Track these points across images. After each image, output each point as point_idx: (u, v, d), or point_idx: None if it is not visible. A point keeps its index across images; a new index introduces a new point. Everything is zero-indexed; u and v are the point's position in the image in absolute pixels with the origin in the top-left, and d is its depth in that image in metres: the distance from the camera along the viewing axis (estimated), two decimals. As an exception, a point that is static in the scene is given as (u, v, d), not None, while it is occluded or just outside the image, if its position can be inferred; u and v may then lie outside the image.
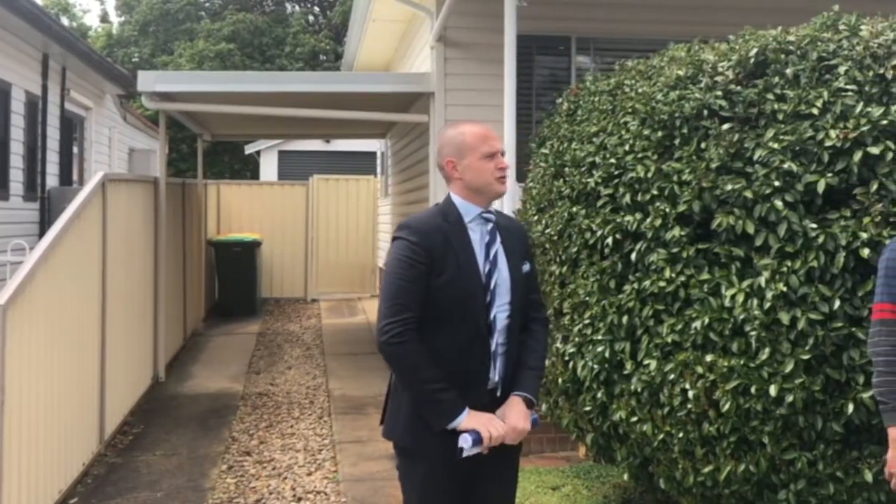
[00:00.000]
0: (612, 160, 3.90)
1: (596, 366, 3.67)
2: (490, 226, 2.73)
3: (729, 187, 3.32)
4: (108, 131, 14.34)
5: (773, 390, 3.02)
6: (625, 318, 3.58)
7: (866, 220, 3.07)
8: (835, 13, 3.73)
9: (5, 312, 3.78)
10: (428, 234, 2.61)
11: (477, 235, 2.70)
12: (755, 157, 3.33)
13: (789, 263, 3.13)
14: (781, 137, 3.29)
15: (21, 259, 7.35)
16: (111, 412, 5.85)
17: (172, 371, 8.16)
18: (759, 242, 3.24)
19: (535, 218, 4.60)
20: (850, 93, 3.29)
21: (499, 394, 2.69)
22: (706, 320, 3.23)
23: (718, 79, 3.64)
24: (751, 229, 3.24)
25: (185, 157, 22.31)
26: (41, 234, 9.72)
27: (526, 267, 2.79)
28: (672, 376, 3.31)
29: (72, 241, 4.95)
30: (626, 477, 3.90)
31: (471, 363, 2.63)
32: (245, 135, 15.67)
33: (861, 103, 3.22)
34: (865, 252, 3.01)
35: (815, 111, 3.29)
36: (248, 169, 23.79)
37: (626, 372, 3.56)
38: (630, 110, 4.00)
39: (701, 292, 3.31)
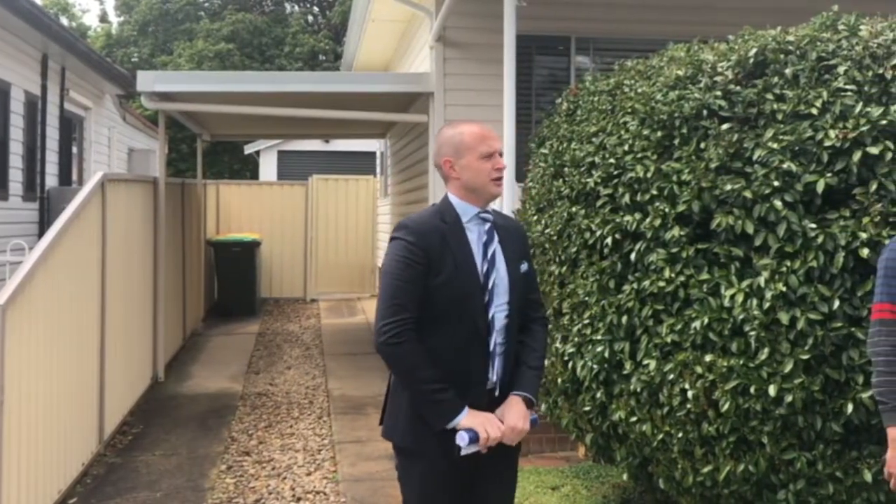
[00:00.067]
0: (612, 160, 3.90)
1: (595, 366, 3.67)
2: (488, 226, 2.73)
3: (728, 187, 3.32)
4: (108, 131, 14.33)
5: (772, 390, 3.02)
6: (624, 318, 3.58)
7: (866, 220, 3.07)
8: (834, 13, 3.73)
9: (5, 312, 3.78)
10: (425, 234, 2.61)
11: (474, 235, 2.70)
12: (754, 157, 3.33)
13: (789, 263, 3.13)
14: (781, 137, 3.29)
15: (20, 259, 7.35)
16: (110, 412, 5.85)
17: (172, 371, 8.16)
18: (758, 242, 3.24)
19: (535, 218, 4.60)
20: (849, 93, 3.29)
21: (497, 394, 2.69)
22: (705, 320, 3.24)
23: (718, 79, 3.64)
24: (750, 229, 3.24)
25: (185, 157, 22.32)
26: (40, 234, 9.72)
27: (524, 266, 2.79)
28: (671, 376, 3.31)
29: (71, 241, 4.95)
30: (625, 477, 3.90)
31: (469, 363, 2.63)
32: (244, 135, 15.66)
33: (860, 103, 3.23)
34: (865, 252, 3.01)
35: (814, 111, 3.29)
36: (247, 169, 23.79)
37: (625, 372, 3.56)
38: (629, 110, 4.00)
39: (700, 292, 3.31)
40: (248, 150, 21.20)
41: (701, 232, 3.45)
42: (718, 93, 3.58)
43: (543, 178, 4.65)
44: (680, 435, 3.30)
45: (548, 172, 4.58)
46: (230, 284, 11.90)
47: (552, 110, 5.19)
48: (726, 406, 3.11)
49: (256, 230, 13.23)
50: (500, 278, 2.69)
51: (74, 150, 12.50)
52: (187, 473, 5.30)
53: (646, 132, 3.80)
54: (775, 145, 3.28)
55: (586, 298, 3.83)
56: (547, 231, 4.33)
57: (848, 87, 3.30)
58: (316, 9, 29.22)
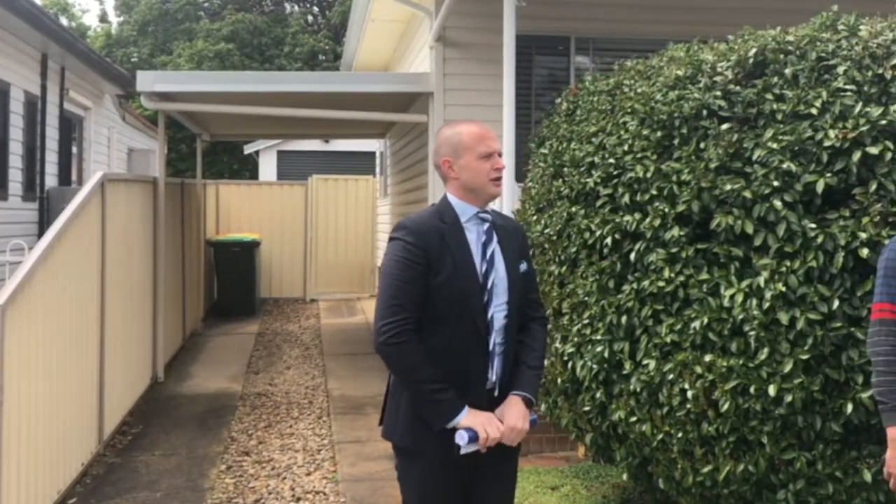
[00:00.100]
0: (611, 160, 3.90)
1: (595, 366, 3.67)
2: (486, 225, 2.73)
3: (728, 187, 3.32)
4: (107, 131, 14.33)
5: (772, 390, 3.02)
6: (624, 318, 3.58)
7: (865, 220, 3.07)
8: (834, 13, 3.73)
9: (4, 313, 3.78)
10: (424, 234, 2.61)
11: (473, 235, 2.69)
12: (754, 157, 3.33)
13: (788, 263, 3.13)
14: (780, 137, 3.29)
15: (20, 259, 7.35)
16: (110, 412, 5.85)
17: (171, 371, 8.16)
18: (758, 242, 3.24)
19: (535, 218, 4.60)
20: (849, 93, 3.29)
21: (497, 393, 2.69)
22: (705, 320, 3.24)
23: (717, 79, 3.64)
24: (750, 229, 3.24)
25: (184, 156, 22.31)
26: (40, 234, 9.72)
27: (523, 266, 2.78)
28: (671, 376, 3.31)
29: (71, 241, 4.95)
30: (625, 477, 3.90)
31: (468, 363, 2.63)
32: (244, 135, 15.66)
33: (860, 103, 3.23)
34: (864, 252, 3.01)
35: (814, 111, 3.29)
36: (246, 169, 23.79)
37: (625, 372, 3.56)
38: (629, 110, 4.00)
39: (700, 292, 3.31)
40: (248, 150, 21.19)
41: (700, 232, 3.45)
42: (718, 93, 3.58)
43: (543, 178, 4.65)
44: (680, 435, 3.30)
45: (547, 172, 4.58)
46: (230, 284, 11.90)
47: (552, 110, 5.19)
48: (726, 406, 3.11)
49: (256, 230, 13.23)
50: (499, 278, 2.69)
51: (74, 150, 12.49)
52: (187, 473, 5.30)
53: (645, 132, 3.80)
54: (775, 145, 3.28)
55: (586, 298, 3.83)
56: (546, 231, 4.33)
57: (847, 87, 3.30)
58: (316, 9, 29.22)
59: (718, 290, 3.27)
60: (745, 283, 3.20)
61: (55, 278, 4.61)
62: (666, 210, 3.50)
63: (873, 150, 3.12)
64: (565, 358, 3.92)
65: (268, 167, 20.55)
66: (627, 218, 3.68)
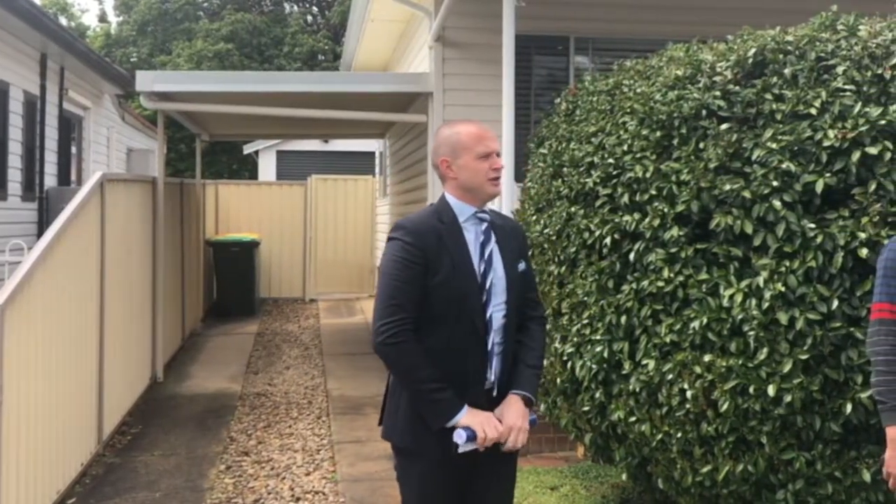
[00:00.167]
0: (611, 160, 3.90)
1: (594, 366, 3.67)
2: (485, 225, 2.73)
3: (727, 187, 3.32)
4: (107, 131, 14.33)
5: (771, 390, 3.02)
6: (623, 318, 3.58)
7: (864, 220, 3.07)
8: (833, 13, 3.73)
9: (3, 313, 3.78)
10: (423, 234, 2.61)
11: (472, 235, 2.69)
12: (753, 157, 3.33)
13: (788, 263, 3.13)
14: (780, 137, 3.29)
15: (19, 259, 7.34)
16: (109, 412, 5.85)
17: (171, 371, 8.16)
18: (757, 242, 3.24)
19: (534, 218, 4.60)
20: (848, 93, 3.29)
21: (495, 393, 2.69)
22: (704, 320, 3.24)
23: (717, 79, 3.64)
24: (749, 229, 3.24)
25: (184, 156, 22.30)
26: (39, 234, 9.71)
27: (522, 266, 2.78)
28: (670, 376, 3.31)
29: (70, 241, 4.95)
30: (624, 477, 3.90)
31: (467, 363, 2.63)
32: (243, 135, 15.66)
33: (859, 103, 3.23)
34: (864, 252, 3.01)
35: (813, 111, 3.29)
36: (246, 169, 23.78)
37: (624, 372, 3.56)
38: (628, 110, 4.00)
39: (699, 292, 3.31)
40: (247, 150, 21.18)
41: (700, 232, 3.46)
42: (717, 93, 3.58)
43: (542, 178, 4.65)
44: (679, 435, 3.30)
45: (547, 172, 4.58)
46: (229, 284, 11.90)
47: (551, 110, 5.19)
48: (725, 406, 3.11)
49: (255, 230, 13.22)
50: (497, 278, 2.69)
51: (73, 150, 12.49)
52: (186, 473, 5.30)
53: (645, 132, 3.80)
54: (774, 145, 3.28)
55: (585, 298, 3.83)
56: (546, 231, 4.33)
57: (847, 87, 3.30)
58: (315, 9, 29.22)
59: (718, 290, 3.27)
60: (744, 283, 3.20)
61: (54, 278, 4.61)
62: (665, 210, 3.50)
63: (872, 150, 3.12)
64: (564, 358, 3.92)
65: (267, 167, 20.54)
66: (627, 218, 3.68)
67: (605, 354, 3.63)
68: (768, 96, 3.45)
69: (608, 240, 3.74)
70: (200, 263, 11.34)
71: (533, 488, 4.85)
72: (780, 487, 3.14)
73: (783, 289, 3.08)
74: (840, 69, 3.36)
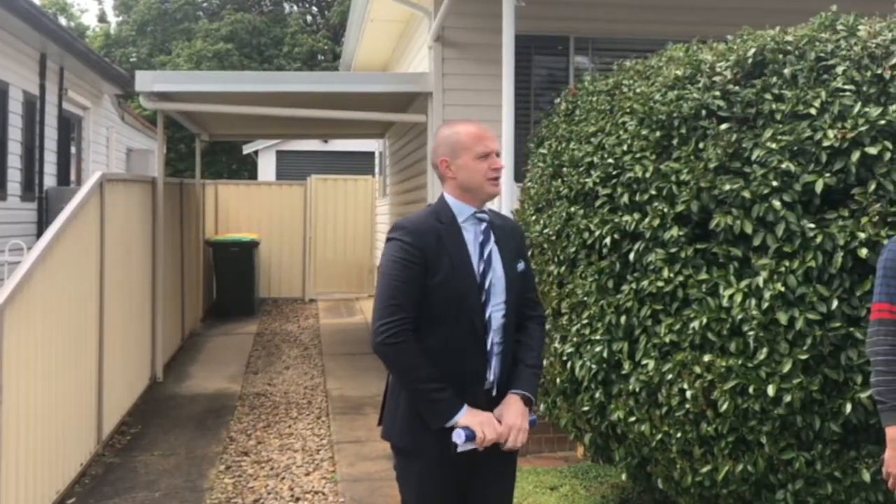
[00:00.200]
0: (611, 160, 3.90)
1: (594, 366, 3.67)
2: (484, 225, 2.72)
3: (727, 187, 3.32)
4: (106, 131, 14.32)
5: (770, 390, 3.02)
6: (623, 318, 3.58)
7: (864, 220, 3.07)
8: (833, 13, 3.73)
9: (3, 313, 3.78)
10: (422, 234, 2.61)
11: (471, 235, 2.69)
12: (753, 157, 3.33)
13: (787, 263, 3.13)
14: (779, 137, 3.29)
15: (19, 259, 7.34)
16: (109, 412, 5.85)
17: (170, 371, 8.16)
18: (757, 242, 3.24)
19: (534, 218, 4.60)
20: (847, 93, 3.29)
21: (495, 393, 2.69)
22: (704, 320, 3.24)
23: (716, 79, 3.64)
24: (749, 229, 3.24)
25: (183, 156, 22.30)
26: (39, 234, 9.71)
27: (521, 266, 2.78)
28: (670, 376, 3.31)
29: (69, 241, 4.94)
30: (624, 477, 3.90)
31: (466, 363, 2.63)
32: (243, 135, 15.66)
33: (859, 103, 3.23)
34: (863, 252, 3.01)
35: (812, 111, 3.29)
36: (245, 169, 23.78)
37: (624, 372, 3.56)
38: (628, 110, 4.00)
39: (699, 292, 3.31)
40: (247, 150, 21.18)
41: (700, 232, 3.46)
42: (717, 93, 3.58)
43: (542, 178, 4.65)
44: (679, 435, 3.30)
45: (546, 172, 4.58)
46: (229, 284, 11.89)
47: (551, 110, 5.19)
48: (725, 406, 3.11)
49: (255, 230, 13.22)
50: (496, 278, 2.68)
51: (73, 150, 12.49)
52: (186, 473, 5.30)
53: (644, 132, 3.80)
54: (774, 145, 3.28)
55: (585, 298, 3.83)
56: (546, 231, 4.33)
57: (846, 87, 3.30)
58: (315, 9, 29.21)
59: (717, 290, 3.27)
60: (744, 283, 3.20)
61: (54, 278, 4.61)
62: (665, 210, 3.50)
63: (872, 150, 3.12)
64: (564, 358, 3.92)
65: (267, 167, 20.53)
66: (626, 218, 3.68)
67: (605, 354, 3.63)
68: (768, 96, 3.45)
69: (608, 240, 3.74)
70: (200, 263, 11.34)
71: (532, 488, 4.85)
72: (779, 487, 3.14)
73: (783, 289, 3.08)
74: (840, 69, 3.36)
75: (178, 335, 9.28)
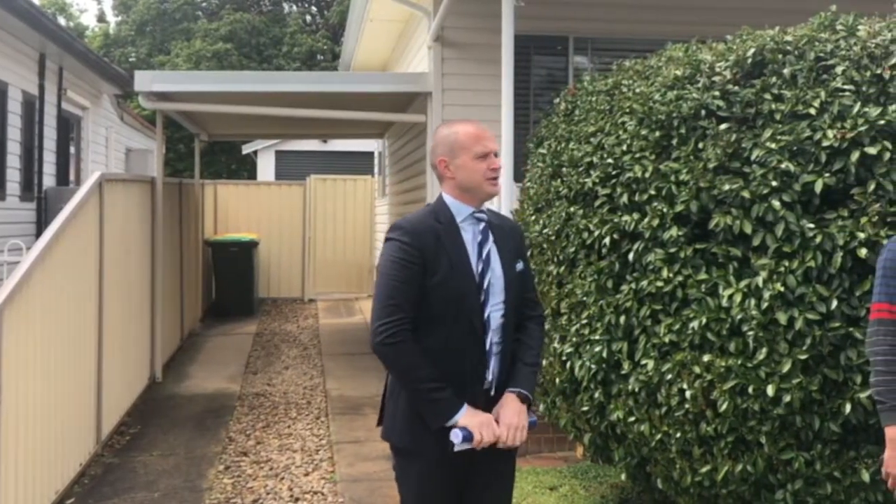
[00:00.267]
0: (610, 160, 3.90)
1: (593, 366, 3.67)
2: (482, 225, 2.72)
3: (726, 187, 3.32)
4: (105, 131, 14.31)
5: (770, 390, 3.02)
6: (622, 318, 3.58)
7: (864, 220, 3.07)
8: (832, 13, 3.73)
9: (2, 313, 3.78)
10: (420, 234, 2.61)
11: (469, 235, 2.69)
12: (753, 157, 3.33)
13: (787, 263, 3.13)
14: (779, 137, 3.29)
15: (18, 259, 7.33)
16: (108, 412, 5.84)
17: (169, 371, 8.15)
18: (756, 242, 3.24)
19: (533, 218, 4.59)
20: (847, 93, 3.29)
21: (493, 393, 2.69)
22: (704, 320, 3.23)
23: (716, 79, 3.64)
24: (748, 229, 3.24)
25: (182, 156, 22.29)
26: (38, 234, 9.70)
27: (520, 265, 2.78)
28: (669, 376, 3.31)
29: (69, 241, 4.94)
30: (623, 477, 3.90)
31: (465, 363, 2.63)
32: (242, 135, 15.65)
33: (858, 103, 3.23)
34: (863, 252, 3.01)
35: (812, 111, 3.29)
36: (245, 169, 23.77)
37: (623, 372, 3.56)
38: (628, 110, 4.00)
39: (698, 292, 3.31)
40: (246, 150, 21.17)
41: (699, 232, 3.46)
42: (717, 93, 3.58)
43: (542, 178, 4.65)
44: (678, 435, 3.30)
45: (546, 172, 4.58)
46: (228, 284, 11.89)
47: (550, 110, 5.19)
48: (724, 406, 3.11)
49: (254, 230, 13.22)
50: (495, 278, 2.68)
51: (72, 150, 12.48)
52: (185, 474, 5.30)
53: (644, 132, 3.80)
54: (773, 145, 3.28)
55: (584, 298, 3.83)
56: (545, 231, 4.33)
57: (846, 87, 3.30)
58: (314, 8, 29.20)
59: (717, 290, 3.27)
60: (743, 283, 3.20)
61: (53, 278, 4.60)
62: (664, 210, 3.50)
63: (872, 150, 3.12)
64: (564, 358, 3.92)
65: (266, 167, 20.53)
66: (626, 218, 3.68)
67: (604, 354, 3.62)
68: (767, 96, 3.45)
69: (607, 240, 3.74)
70: (199, 263, 11.33)
71: (532, 488, 4.85)
72: (779, 487, 3.14)
73: (782, 289, 3.08)
74: (839, 69, 3.36)
75: (177, 335, 9.28)
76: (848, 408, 2.98)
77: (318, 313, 12.39)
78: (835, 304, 3.03)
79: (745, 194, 3.26)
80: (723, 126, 3.48)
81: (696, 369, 3.21)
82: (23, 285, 4.07)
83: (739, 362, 3.12)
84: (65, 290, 4.83)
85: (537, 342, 2.80)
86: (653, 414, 3.42)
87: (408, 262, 2.57)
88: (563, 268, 4.14)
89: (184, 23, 25.17)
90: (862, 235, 3.03)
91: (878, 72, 3.31)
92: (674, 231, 3.45)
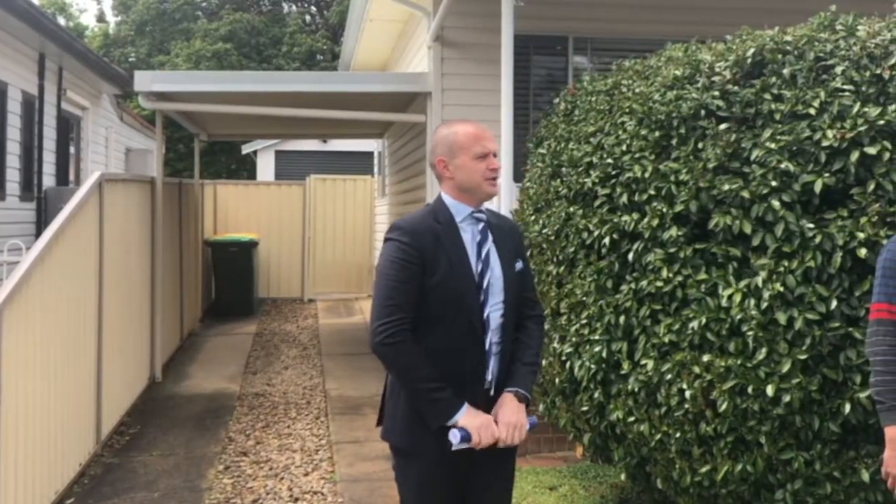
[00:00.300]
0: (610, 160, 3.90)
1: (593, 366, 3.67)
2: (481, 225, 2.72)
3: (726, 187, 3.32)
4: (105, 131, 14.31)
5: (770, 390, 3.02)
6: (622, 318, 3.58)
7: (863, 219, 3.07)
8: (832, 13, 3.73)
9: (1, 313, 3.78)
10: (419, 234, 2.61)
11: (468, 235, 2.69)
12: (752, 157, 3.33)
13: (786, 263, 3.13)
14: (778, 137, 3.29)
15: (17, 259, 7.33)
16: (108, 412, 5.84)
17: (169, 371, 8.15)
18: (756, 242, 3.24)
19: (533, 218, 4.59)
20: (847, 93, 3.29)
21: (493, 393, 2.69)
22: (703, 320, 3.23)
23: (716, 79, 3.64)
24: (748, 229, 3.24)
25: (182, 156, 22.29)
26: (38, 234, 9.70)
27: (519, 265, 2.78)
28: (669, 376, 3.31)
29: (68, 241, 4.94)
30: (623, 477, 3.90)
31: (465, 363, 2.63)
32: (242, 135, 15.65)
33: (858, 103, 3.23)
34: (862, 252, 3.01)
35: (812, 111, 3.29)
36: (244, 169, 23.77)
37: (623, 372, 3.56)
38: (627, 110, 4.00)
39: (698, 292, 3.31)
40: (246, 149, 21.16)
41: (699, 232, 3.46)
42: (716, 93, 3.58)
43: (541, 178, 4.65)
44: (678, 435, 3.30)
45: (545, 172, 4.58)
46: (228, 284, 11.88)
47: (550, 110, 5.19)
48: (724, 406, 3.11)
49: (254, 230, 13.21)
50: (494, 278, 2.68)
51: (72, 149, 12.47)
52: (185, 474, 5.30)
53: (643, 132, 3.80)
54: (773, 145, 3.28)
55: (584, 298, 3.83)
56: (545, 231, 4.33)
57: (846, 87, 3.30)
58: (314, 8, 29.20)
59: (716, 290, 3.27)
60: (743, 283, 3.20)
61: (52, 278, 4.60)
62: (664, 210, 3.50)
63: (871, 150, 3.12)
64: (563, 358, 3.92)
65: (266, 167, 20.52)
66: (625, 218, 3.68)
67: (604, 354, 3.62)
68: (767, 96, 3.45)
69: (607, 240, 3.74)
70: (199, 263, 11.33)
71: (532, 488, 4.85)
72: (778, 487, 3.14)
73: (782, 289, 3.08)
74: (839, 69, 3.36)
75: (176, 335, 9.28)
76: (847, 408, 2.98)
77: (317, 313, 12.39)
78: (834, 304, 3.03)
79: (745, 194, 3.26)
80: (722, 126, 3.48)
81: (696, 369, 3.21)
82: (22, 285, 4.07)
83: (739, 362, 3.12)
84: (64, 290, 4.83)
85: (536, 342, 2.80)
86: (652, 414, 3.42)
87: (407, 263, 2.57)
88: (562, 268, 4.14)
89: (183, 23, 25.17)
90: (861, 235, 3.03)
91: (878, 72, 3.31)
92: (673, 231, 3.45)
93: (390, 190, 11.66)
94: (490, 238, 2.72)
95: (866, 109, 3.19)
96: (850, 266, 3.07)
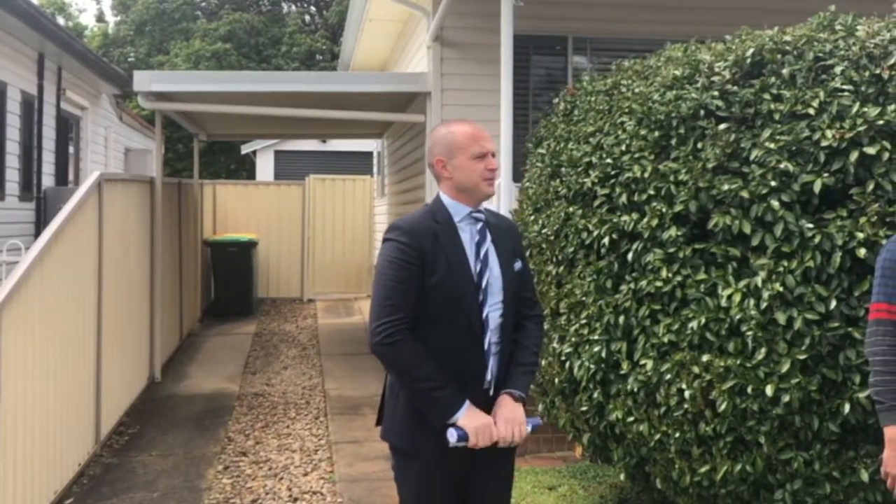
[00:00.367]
0: (609, 160, 3.90)
1: (592, 366, 3.67)
2: (480, 225, 2.72)
3: (725, 187, 3.32)
4: (104, 131, 14.31)
5: (769, 390, 3.02)
6: (621, 318, 3.58)
7: (863, 219, 3.07)
8: (831, 13, 3.73)
9: (0, 313, 3.77)
10: (418, 234, 2.61)
11: (467, 235, 2.69)
12: (752, 157, 3.33)
13: (786, 263, 3.13)
14: (778, 137, 3.29)
15: (17, 259, 7.32)
16: (107, 412, 5.84)
17: (168, 371, 8.15)
18: (755, 242, 3.24)
19: (532, 218, 4.59)
20: (846, 93, 3.29)
21: (492, 393, 2.69)
22: (703, 320, 3.23)
23: (715, 79, 3.64)
24: (747, 229, 3.24)
25: (182, 156, 22.29)
26: (37, 234, 9.69)
27: (518, 265, 2.78)
28: (668, 376, 3.31)
29: (67, 241, 4.94)
30: (622, 477, 3.90)
31: (464, 363, 2.63)
32: (241, 135, 15.66)
33: (857, 103, 3.23)
34: (862, 252, 3.01)
35: (811, 111, 3.29)
36: (244, 169, 23.77)
37: (622, 372, 3.56)
38: (627, 110, 4.00)
39: (697, 292, 3.31)
40: (245, 149, 21.16)
41: (698, 232, 3.45)
42: (716, 93, 3.58)
43: (541, 178, 4.65)
44: (677, 435, 3.30)
45: (545, 172, 4.58)
46: (227, 284, 11.88)
47: (549, 110, 5.19)
48: (723, 406, 3.11)
49: (253, 230, 13.21)
50: (493, 277, 2.68)
51: (71, 149, 12.47)
52: (184, 474, 5.29)
53: (643, 132, 3.80)
54: (772, 145, 3.28)
55: (583, 298, 3.83)
56: (544, 231, 4.33)
57: (845, 87, 3.30)
58: (313, 8, 29.20)
59: (716, 290, 3.27)
60: (742, 283, 3.20)
61: (52, 278, 4.60)
62: (663, 210, 3.50)
63: (870, 150, 3.12)
64: (563, 358, 3.92)
65: (265, 167, 20.52)
66: (625, 218, 3.68)
67: (604, 354, 3.62)
68: (766, 96, 3.45)
69: (606, 240, 3.74)
70: (198, 263, 11.33)
71: (531, 488, 4.85)
72: (778, 487, 3.14)
73: (781, 289, 3.08)
74: (838, 69, 3.37)
75: (176, 335, 9.28)
76: (847, 408, 2.98)
77: (316, 313, 12.39)
78: (834, 304, 3.03)
79: (744, 194, 3.26)
80: (722, 126, 3.48)
81: (695, 369, 3.21)
82: (21, 285, 4.07)
83: (738, 362, 3.12)
84: (63, 290, 4.83)
85: (535, 342, 2.80)
86: (652, 414, 3.42)
87: (406, 263, 2.57)
88: (562, 268, 4.14)
89: (183, 23, 25.17)
90: (861, 235, 3.03)
91: (877, 72, 3.31)
92: (673, 231, 3.45)
93: (389, 190, 11.66)
94: (489, 238, 2.72)
95: (865, 109, 3.19)
96: (849, 266, 3.07)
